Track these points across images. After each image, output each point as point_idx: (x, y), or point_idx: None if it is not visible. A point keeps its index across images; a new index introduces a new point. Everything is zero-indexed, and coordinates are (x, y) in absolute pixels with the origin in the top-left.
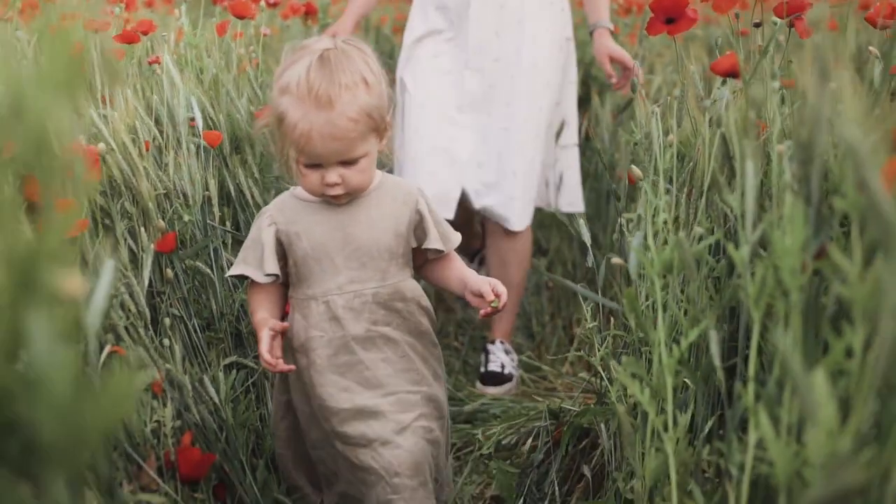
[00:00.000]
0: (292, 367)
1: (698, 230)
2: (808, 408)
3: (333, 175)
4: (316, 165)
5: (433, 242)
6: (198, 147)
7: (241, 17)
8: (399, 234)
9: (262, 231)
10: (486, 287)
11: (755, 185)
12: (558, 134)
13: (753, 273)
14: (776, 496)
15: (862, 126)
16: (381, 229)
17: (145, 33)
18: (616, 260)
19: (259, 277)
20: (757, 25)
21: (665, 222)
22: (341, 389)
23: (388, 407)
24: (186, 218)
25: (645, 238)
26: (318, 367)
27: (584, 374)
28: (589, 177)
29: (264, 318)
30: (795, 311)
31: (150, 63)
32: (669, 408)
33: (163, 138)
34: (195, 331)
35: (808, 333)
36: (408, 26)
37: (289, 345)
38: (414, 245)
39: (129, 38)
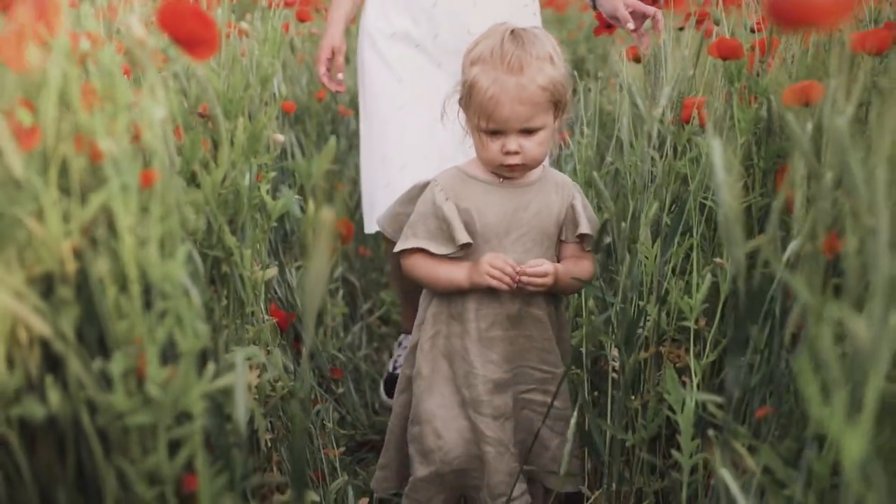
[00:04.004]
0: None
1: (609, 160)
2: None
3: (514, 143)
4: (498, 133)
5: (583, 228)
6: (277, 115)
7: (301, 21)
8: (558, 224)
9: (442, 206)
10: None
11: (629, 129)
12: None
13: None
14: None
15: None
16: (545, 216)
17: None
18: None
19: (441, 250)
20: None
21: (587, 158)
22: (488, 361)
23: (512, 380)
24: (266, 160)
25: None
26: (472, 338)
27: None
28: None
29: (461, 266)
30: (652, 199)
31: (241, 54)
32: None
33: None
34: (274, 241)
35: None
36: (365, 16)
37: (447, 311)
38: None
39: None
